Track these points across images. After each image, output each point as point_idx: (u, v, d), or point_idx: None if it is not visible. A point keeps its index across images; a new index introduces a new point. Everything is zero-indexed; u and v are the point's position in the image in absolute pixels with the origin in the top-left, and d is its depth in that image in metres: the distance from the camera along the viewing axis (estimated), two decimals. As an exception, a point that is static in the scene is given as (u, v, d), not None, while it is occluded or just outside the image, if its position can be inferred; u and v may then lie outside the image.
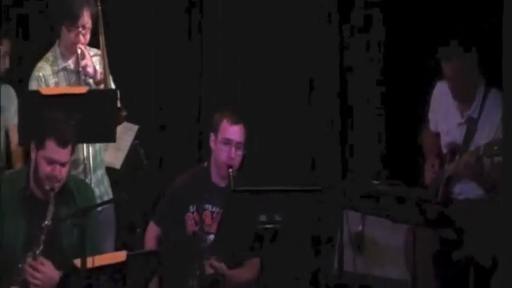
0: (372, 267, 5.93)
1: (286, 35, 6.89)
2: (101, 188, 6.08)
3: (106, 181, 6.17)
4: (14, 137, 6.28)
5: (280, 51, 6.88)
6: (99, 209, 5.58)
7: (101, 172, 6.14)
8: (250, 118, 5.73)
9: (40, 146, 5.04)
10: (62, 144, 5.01)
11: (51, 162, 5.02)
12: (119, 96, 6.02)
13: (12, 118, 6.24)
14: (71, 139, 5.09)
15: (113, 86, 6.14)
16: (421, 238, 5.53)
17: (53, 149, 5.01)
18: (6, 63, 6.55)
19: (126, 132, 6.26)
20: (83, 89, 5.84)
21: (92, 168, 6.05)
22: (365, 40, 6.80)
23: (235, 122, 5.55)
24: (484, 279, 5.68)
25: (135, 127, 6.29)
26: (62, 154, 5.03)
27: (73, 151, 5.19)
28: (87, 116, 5.51)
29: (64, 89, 5.97)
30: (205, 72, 6.99)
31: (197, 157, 6.20)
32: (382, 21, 6.73)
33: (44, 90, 5.77)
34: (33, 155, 5.11)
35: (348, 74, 6.82)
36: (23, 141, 5.77)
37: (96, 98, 5.77)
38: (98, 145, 6.09)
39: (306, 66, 6.84)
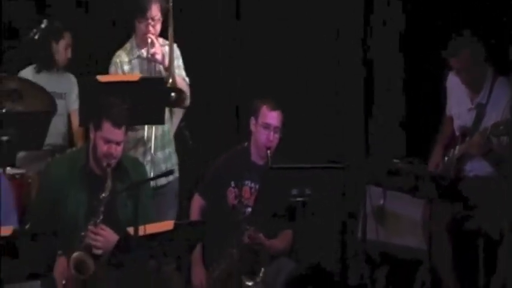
0: (392, 236, 6.00)
1: (314, 26, 6.82)
2: (168, 164, 6.11)
3: (174, 158, 6.19)
4: (75, 120, 6.42)
5: (309, 43, 6.82)
6: (164, 182, 5.77)
7: (169, 150, 6.16)
8: (286, 104, 5.74)
9: (98, 127, 5.12)
10: (117, 125, 5.10)
11: (107, 141, 5.10)
12: (187, 81, 6.09)
13: (73, 103, 6.41)
14: (125, 121, 5.16)
15: (182, 73, 6.15)
16: (436, 211, 5.60)
17: (109, 130, 5.09)
18: (68, 53, 6.68)
19: (175, 114, 6.27)
20: (135, 77, 5.92)
21: (159, 147, 6.07)
22: (388, 30, 6.69)
23: (273, 108, 5.58)
24: (492, 249, 5.72)
25: (181, 110, 6.29)
26: (117, 134, 5.11)
27: (127, 132, 5.24)
28: (138, 101, 5.53)
29: (119, 76, 6.04)
30: (244, 62, 6.97)
31: (236, 138, 6.19)
32: (402, 10, 6.63)
33: (102, 78, 5.81)
34: (91, 136, 5.19)
35: (373, 60, 6.74)
36: (83, 123, 5.85)
37: (147, 85, 5.79)
38: (166, 126, 6.08)
39: (334, 55, 6.77)
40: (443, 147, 5.90)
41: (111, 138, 5.09)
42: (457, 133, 5.82)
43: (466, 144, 5.72)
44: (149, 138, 6.05)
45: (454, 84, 5.88)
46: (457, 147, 5.77)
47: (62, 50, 6.67)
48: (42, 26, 6.58)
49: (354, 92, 6.73)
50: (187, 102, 6.11)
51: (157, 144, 6.10)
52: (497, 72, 5.80)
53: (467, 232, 5.80)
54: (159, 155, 6.10)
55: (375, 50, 6.74)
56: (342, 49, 6.80)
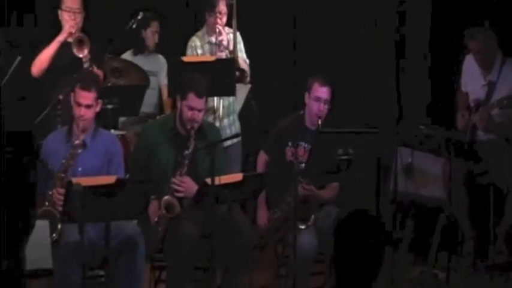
0: (418, 188, 6.00)
1: (356, 16, 6.89)
2: (232, 129, 6.18)
3: (237, 124, 6.27)
4: (165, 93, 6.58)
5: (351, 30, 6.88)
6: (229, 143, 5.82)
7: (233, 117, 6.25)
8: (334, 79, 5.66)
9: (184, 97, 5.22)
10: (199, 96, 5.20)
11: (191, 109, 5.19)
12: (247, 62, 6.22)
13: (163, 79, 6.54)
14: (205, 92, 5.27)
15: (243, 54, 6.24)
16: (455, 167, 5.66)
17: (193, 99, 5.19)
18: (156, 39, 6.84)
19: (242, 89, 6.36)
20: (211, 58, 6.02)
21: (226, 114, 6.17)
22: (417, 17, 6.69)
23: (324, 84, 5.53)
24: (500, 198, 5.85)
25: (248, 86, 6.40)
26: (199, 103, 5.21)
27: (206, 101, 5.36)
28: (214, 77, 5.61)
29: (198, 57, 6.13)
30: (300, 43, 7.06)
31: (293, 108, 6.09)
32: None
33: (185, 59, 5.96)
34: (178, 104, 5.29)
35: (404, 41, 6.74)
36: (171, 95, 6.01)
37: (220, 65, 5.91)
38: (231, 98, 6.17)
39: (373, 39, 6.79)
40: (462, 116, 5.95)
41: (194, 106, 5.18)
42: (472, 105, 5.87)
43: (478, 114, 5.80)
44: (217, 108, 6.12)
45: (469, 64, 5.95)
46: (472, 116, 5.82)
47: (150, 36, 6.81)
48: (139, 17, 6.68)
49: (388, 71, 6.72)
50: (248, 79, 6.22)
51: (224, 113, 6.18)
52: (506, 55, 5.86)
53: (480, 185, 5.88)
54: (225, 121, 6.19)
55: (406, 34, 6.71)
56: (378, 34, 6.80)
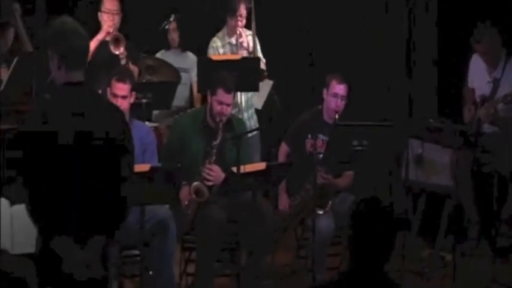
0: (428, 177, 5.98)
1: (367, 17, 6.82)
2: (251, 121, 6.23)
3: (255, 117, 6.31)
4: (195, 88, 6.57)
5: (363, 30, 6.82)
6: (249, 135, 5.75)
7: (251, 111, 6.29)
8: (350, 77, 5.65)
9: (214, 93, 5.22)
10: (228, 91, 5.21)
11: (220, 103, 5.19)
12: (264, 61, 6.21)
13: (194, 76, 6.46)
14: (233, 88, 5.27)
15: (260, 54, 6.28)
16: (462, 157, 5.67)
17: (222, 95, 5.19)
18: (177, 37, 6.76)
19: (265, 85, 6.35)
20: (237, 56, 6.04)
21: (245, 108, 6.20)
22: (427, 15, 6.62)
23: (341, 82, 5.51)
24: (504, 186, 5.83)
25: (271, 82, 6.40)
26: (228, 98, 5.22)
27: (234, 97, 5.38)
28: (240, 74, 5.60)
29: (226, 56, 6.13)
30: (318, 44, 7.00)
31: (312, 103, 6.02)
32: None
33: (214, 57, 5.99)
34: (209, 99, 5.30)
35: (414, 41, 6.67)
36: (200, 90, 6.00)
37: (246, 63, 5.91)
38: (249, 93, 6.22)
39: (384, 38, 6.73)
40: (469, 110, 5.93)
41: (223, 101, 5.19)
42: (478, 100, 5.86)
43: (484, 109, 5.78)
44: (240, 102, 6.14)
45: (476, 62, 5.93)
46: (478, 110, 5.81)
47: (173, 34, 6.75)
48: (171, 19, 6.71)
49: (400, 68, 6.69)
50: (265, 77, 6.23)
51: (244, 107, 6.21)
52: (509, 53, 5.83)
53: (485, 173, 5.87)
54: (245, 115, 6.21)
55: (415, 32, 6.64)
56: (390, 32, 6.75)
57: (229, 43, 6.27)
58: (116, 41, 6.06)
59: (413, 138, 5.78)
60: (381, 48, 6.77)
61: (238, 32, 6.20)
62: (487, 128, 5.83)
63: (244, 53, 6.20)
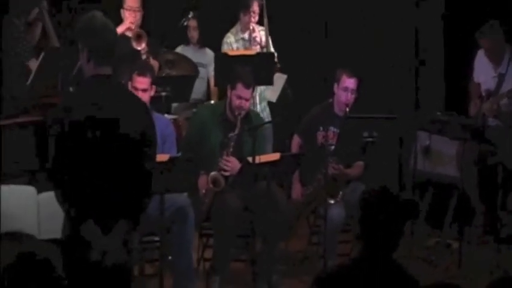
0: (435, 167, 5.99)
1: (375, 14, 6.78)
2: (264, 114, 6.28)
3: (267, 110, 6.36)
4: (212, 82, 6.60)
5: (372, 28, 6.78)
6: (263, 127, 5.74)
7: (264, 104, 6.34)
8: (360, 71, 5.61)
9: (233, 88, 5.20)
10: (247, 86, 5.19)
11: (239, 97, 5.18)
12: (276, 55, 6.20)
13: (211, 71, 6.50)
14: (252, 83, 5.25)
15: (272, 49, 6.31)
16: (467, 149, 5.67)
17: (241, 90, 5.17)
18: (196, 34, 6.80)
19: (279, 79, 6.37)
20: (253, 51, 6.09)
21: (258, 101, 6.25)
22: (434, 11, 6.57)
23: (351, 76, 5.49)
24: (508, 176, 5.81)
25: (285, 76, 6.43)
26: (247, 93, 5.20)
27: (253, 91, 5.36)
28: (255, 68, 5.59)
29: (242, 51, 6.19)
30: (329, 40, 6.97)
31: (323, 97, 5.98)
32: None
33: (230, 52, 6.02)
34: (228, 93, 5.26)
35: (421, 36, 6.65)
36: (217, 84, 6.06)
37: (261, 58, 5.95)
38: (262, 87, 6.23)
39: (393, 36, 6.71)
40: (474, 104, 5.91)
41: (242, 96, 5.18)
42: (483, 94, 5.84)
43: (489, 103, 5.76)
44: (254, 95, 6.14)
45: (481, 58, 5.91)
46: (483, 104, 5.79)
47: (192, 31, 6.79)
48: (189, 16, 6.72)
49: (407, 64, 6.67)
50: (277, 69, 6.23)
51: (258, 100, 6.24)
52: (512, 49, 5.80)
53: (490, 164, 5.85)
54: (258, 108, 6.24)
55: (423, 27, 6.62)
56: (398, 27, 6.71)
57: (243, 38, 6.30)
58: (138, 37, 6.09)
59: (421, 131, 5.76)
60: (390, 43, 6.75)
61: (251, 28, 6.23)
62: (491, 121, 5.81)
63: (257, 48, 6.22)
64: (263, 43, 6.24)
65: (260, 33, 6.26)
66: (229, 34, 6.33)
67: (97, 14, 3.47)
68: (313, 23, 7.09)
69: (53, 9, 6.12)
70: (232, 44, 6.29)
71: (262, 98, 6.32)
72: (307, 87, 6.83)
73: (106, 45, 3.42)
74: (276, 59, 6.19)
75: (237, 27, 6.33)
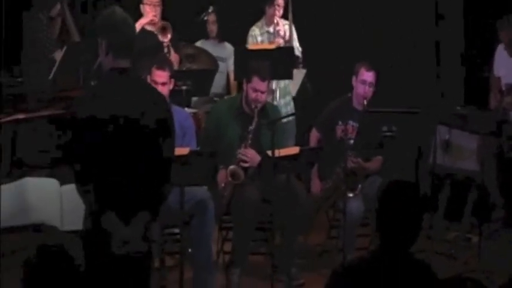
0: (454, 161, 5.94)
1: (396, 7, 6.80)
2: (288, 108, 6.28)
3: (292, 104, 6.35)
4: (231, 76, 6.63)
5: (392, 21, 6.77)
6: (285, 120, 5.79)
7: (288, 98, 6.33)
8: (379, 65, 5.62)
9: (249, 81, 5.23)
10: (263, 79, 5.21)
11: (255, 90, 5.20)
12: (300, 50, 6.23)
13: (231, 65, 6.53)
14: (268, 76, 5.27)
15: (296, 43, 6.29)
16: (487, 143, 5.67)
17: (257, 82, 5.20)
18: (215, 28, 6.82)
19: (299, 73, 6.36)
20: (272, 46, 6.07)
21: (282, 95, 6.24)
22: (454, 8, 6.59)
23: (369, 69, 5.49)
24: None
25: (304, 70, 6.42)
26: (263, 85, 5.22)
27: (269, 84, 5.38)
28: (274, 62, 5.63)
29: (260, 45, 6.19)
30: (348, 33, 6.98)
31: (342, 90, 5.94)
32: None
33: (250, 46, 6.03)
34: (244, 87, 5.30)
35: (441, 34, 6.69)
36: (237, 78, 6.07)
37: (280, 52, 5.94)
38: (286, 81, 6.22)
39: (413, 29, 6.71)
40: (494, 98, 5.90)
41: (258, 89, 5.20)
42: (504, 88, 5.82)
43: (510, 97, 5.74)
44: (275, 90, 6.16)
45: (501, 51, 5.89)
46: (504, 98, 5.77)
47: (212, 25, 6.81)
48: (209, 10, 6.75)
49: (429, 59, 6.67)
50: (300, 65, 6.25)
51: (280, 94, 6.23)
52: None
53: (509, 158, 5.82)
54: (282, 101, 6.24)
55: (443, 24, 6.63)
56: (418, 25, 6.71)
57: (267, 32, 6.31)
58: (163, 30, 6.13)
59: (441, 125, 5.75)
60: (410, 37, 6.73)
61: (275, 21, 6.22)
62: (511, 115, 5.78)
63: (281, 42, 6.20)
64: (287, 37, 6.22)
65: (284, 27, 6.24)
66: (254, 27, 6.34)
67: (117, 9, 3.51)
68: (333, 17, 7.09)
69: (75, 6, 6.19)
70: (257, 37, 6.30)
71: (287, 92, 6.32)
72: (327, 81, 6.77)
73: (125, 39, 3.46)
74: (300, 55, 6.20)
75: (263, 20, 6.34)
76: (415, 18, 6.70)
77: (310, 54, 6.54)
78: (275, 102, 6.04)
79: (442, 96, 6.52)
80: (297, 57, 6.17)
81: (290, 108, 6.28)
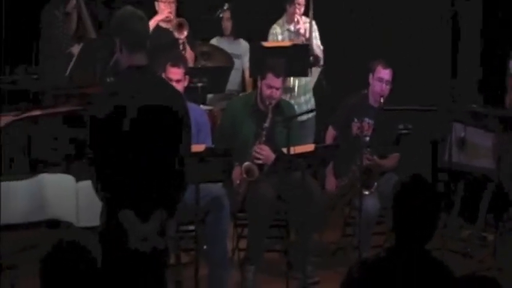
0: (470, 159, 5.91)
1: (412, 8, 6.76)
2: (308, 105, 6.20)
3: (312, 101, 6.29)
4: (247, 73, 6.61)
5: (409, 22, 6.75)
6: (305, 118, 5.80)
7: (309, 95, 6.29)
8: (396, 63, 5.59)
9: (263, 77, 5.24)
10: (277, 76, 5.21)
11: (270, 87, 5.21)
12: (322, 48, 6.21)
13: (246, 62, 6.49)
14: (282, 73, 5.27)
15: (317, 41, 6.23)
16: (503, 141, 5.61)
17: (271, 79, 5.20)
18: (230, 25, 6.80)
19: (314, 71, 6.30)
20: (288, 43, 6.04)
21: (302, 92, 6.22)
22: (471, 8, 6.54)
23: (386, 67, 5.49)
24: None
25: (318, 68, 6.35)
26: (277, 82, 5.22)
27: (283, 81, 5.35)
28: (290, 59, 5.62)
29: (276, 42, 6.15)
30: (365, 30, 6.97)
31: (358, 88, 5.92)
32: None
33: (265, 44, 5.99)
34: (259, 84, 5.31)
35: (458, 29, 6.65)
36: (252, 75, 6.07)
37: (295, 49, 5.92)
38: (308, 78, 6.19)
39: (430, 27, 6.67)
40: (510, 96, 5.80)
41: (272, 85, 5.21)
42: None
43: None
44: (294, 87, 6.15)
45: None
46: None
47: (226, 22, 6.80)
48: (225, 7, 6.75)
49: (445, 57, 6.64)
50: (321, 63, 6.22)
51: (300, 91, 6.20)
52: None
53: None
54: (302, 99, 6.21)
55: (460, 19, 6.58)
56: (435, 22, 6.69)
57: (288, 30, 6.27)
58: (180, 26, 6.12)
59: (456, 122, 5.72)
60: (426, 36, 6.70)
61: (296, 19, 6.18)
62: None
63: (301, 40, 6.16)
64: (307, 35, 6.18)
65: (305, 25, 6.21)
66: (275, 25, 6.31)
67: (128, 7, 3.57)
68: (350, 14, 7.08)
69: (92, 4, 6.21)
70: (278, 35, 6.27)
71: (307, 89, 6.29)
72: (343, 78, 6.78)
73: (135, 34, 3.50)
74: (321, 52, 6.17)
75: (284, 18, 6.31)
76: (433, 16, 6.68)
77: (327, 52, 6.47)
78: (293, 100, 6.03)
79: (457, 94, 6.46)
80: (317, 56, 6.14)
81: (310, 105, 6.24)
